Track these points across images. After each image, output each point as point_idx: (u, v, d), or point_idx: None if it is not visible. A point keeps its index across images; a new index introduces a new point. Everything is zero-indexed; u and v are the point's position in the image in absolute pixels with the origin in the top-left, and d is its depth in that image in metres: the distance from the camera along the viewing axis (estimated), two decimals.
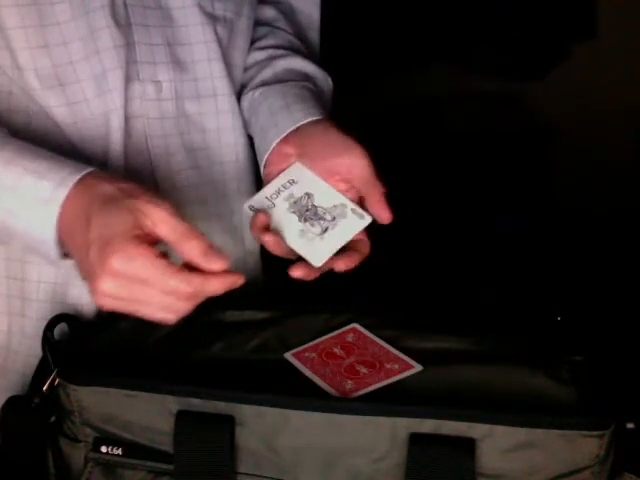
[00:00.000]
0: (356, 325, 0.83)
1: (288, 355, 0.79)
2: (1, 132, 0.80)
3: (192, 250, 0.71)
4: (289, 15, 1.03)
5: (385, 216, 0.84)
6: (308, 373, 0.77)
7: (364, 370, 0.77)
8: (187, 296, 0.70)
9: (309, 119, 0.88)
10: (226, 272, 0.71)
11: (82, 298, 0.87)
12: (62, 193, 0.74)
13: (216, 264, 0.71)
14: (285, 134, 0.88)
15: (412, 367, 0.77)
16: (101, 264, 0.69)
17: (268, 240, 0.82)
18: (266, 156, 0.89)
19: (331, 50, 1.09)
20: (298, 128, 0.88)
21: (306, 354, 0.79)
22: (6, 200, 0.76)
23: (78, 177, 0.75)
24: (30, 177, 0.75)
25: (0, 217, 0.77)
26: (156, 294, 0.70)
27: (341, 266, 0.82)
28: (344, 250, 0.83)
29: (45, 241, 0.76)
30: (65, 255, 0.77)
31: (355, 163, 0.84)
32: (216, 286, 0.70)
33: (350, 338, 0.81)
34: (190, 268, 0.71)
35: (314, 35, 1.05)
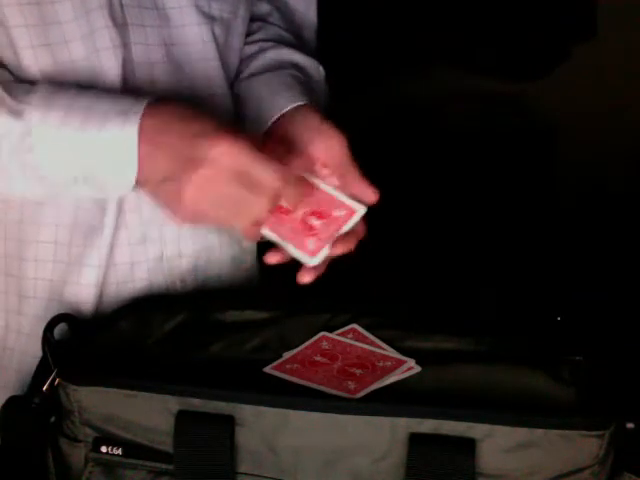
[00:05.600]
0: (355, 325, 0.83)
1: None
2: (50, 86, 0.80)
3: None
4: (283, 12, 1.04)
5: (369, 194, 0.83)
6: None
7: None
8: (269, 188, 0.75)
9: (291, 105, 0.89)
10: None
11: (79, 296, 0.87)
12: (141, 103, 0.77)
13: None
14: (269, 123, 0.89)
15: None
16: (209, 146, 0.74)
17: (275, 260, 0.82)
18: None
19: (332, 50, 1.09)
20: (282, 115, 0.88)
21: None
22: (83, 120, 0.77)
23: (153, 98, 0.78)
24: (106, 97, 0.79)
25: (80, 136, 0.77)
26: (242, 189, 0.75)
27: (338, 251, 0.81)
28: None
29: (126, 148, 0.76)
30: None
31: (330, 146, 0.84)
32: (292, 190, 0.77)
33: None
34: None
35: (309, 34, 1.06)
